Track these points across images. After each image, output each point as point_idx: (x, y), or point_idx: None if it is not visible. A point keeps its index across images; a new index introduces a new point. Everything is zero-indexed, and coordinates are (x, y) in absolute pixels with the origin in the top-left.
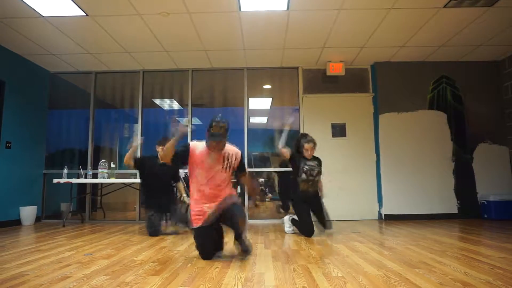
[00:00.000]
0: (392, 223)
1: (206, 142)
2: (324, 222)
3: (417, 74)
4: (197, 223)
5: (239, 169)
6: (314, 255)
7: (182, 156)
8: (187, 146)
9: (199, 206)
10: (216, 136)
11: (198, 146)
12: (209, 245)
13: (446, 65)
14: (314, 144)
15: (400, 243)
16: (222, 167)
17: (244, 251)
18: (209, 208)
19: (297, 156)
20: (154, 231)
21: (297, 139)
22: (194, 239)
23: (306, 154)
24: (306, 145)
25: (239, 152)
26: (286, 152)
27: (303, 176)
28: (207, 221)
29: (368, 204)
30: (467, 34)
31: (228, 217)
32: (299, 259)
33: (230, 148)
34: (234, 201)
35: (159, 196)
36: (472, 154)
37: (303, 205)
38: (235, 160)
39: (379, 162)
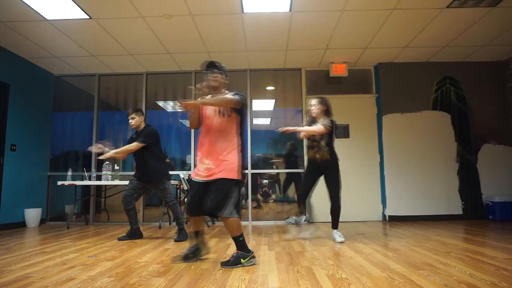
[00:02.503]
0: (396, 224)
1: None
2: (332, 201)
3: (420, 75)
4: (193, 175)
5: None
6: (317, 257)
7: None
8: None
9: (197, 158)
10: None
11: None
12: (195, 199)
13: (450, 66)
14: (317, 100)
15: (404, 244)
16: (215, 110)
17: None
18: (199, 161)
19: (310, 122)
20: (124, 199)
21: None
22: None
23: (313, 114)
24: (310, 102)
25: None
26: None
27: (308, 141)
28: (198, 177)
29: (372, 205)
30: (470, 35)
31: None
32: (303, 261)
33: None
34: (223, 177)
35: (138, 169)
36: (477, 155)
37: (308, 173)
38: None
39: (383, 163)
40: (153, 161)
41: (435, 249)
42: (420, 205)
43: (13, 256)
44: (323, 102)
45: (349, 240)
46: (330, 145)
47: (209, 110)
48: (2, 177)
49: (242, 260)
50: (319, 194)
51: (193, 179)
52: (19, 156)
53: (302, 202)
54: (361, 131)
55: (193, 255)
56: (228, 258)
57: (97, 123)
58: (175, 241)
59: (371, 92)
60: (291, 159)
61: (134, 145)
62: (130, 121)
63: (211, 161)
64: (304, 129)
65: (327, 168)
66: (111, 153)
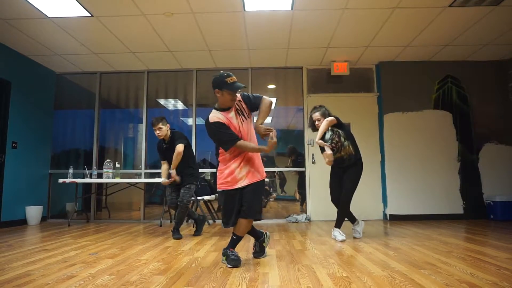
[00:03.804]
0: (397, 223)
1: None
2: (341, 201)
3: (422, 74)
4: (222, 186)
5: (252, 103)
6: (318, 255)
7: (233, 133)
8: (223, 124)
9: (231, 169)
10: (237, 84)
11: (219, 117)
12: (237, 208)
13: (452, 65)
14: (319, 113)
15: (405, 243)
16: (241, 120)
17: (254, 256)
18: (234, 173)
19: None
20: (170, 203)
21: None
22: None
23: (318, 126)
24: (313, 116)
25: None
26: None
27: (333, 150)
28: (233, 184)
29: (373, 204)
30: (472, 34)
31: (244, 198)
32: (304, 259)
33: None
34: (258, 180)
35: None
36: (478, 154)
37: (333, 176)
38: (239, 102)
39: (384, 162)
40: (186, 164)
41: (436, 248)
42: (421, 204)
43: (14, 253)
44: (324, 113)
45: (350, 239)
46: (349, 138)
47: (245, 124)
48: (4, 174)
49: (264, 244)
50: (319, 194)
51: (230, 189)
52: (21, 154)
53: (339, 208)
54: (362, 130)
55: (260, 250)
56: (254, 250)
57: (98, 121)
58: (175, 238)
59: (372, 91)
60: (298, 159)
61: (180, 148)
62: (157, 132)
63: (252, 167)
64: (319, 135)
65: (351, 166)
66: (174, 175)
